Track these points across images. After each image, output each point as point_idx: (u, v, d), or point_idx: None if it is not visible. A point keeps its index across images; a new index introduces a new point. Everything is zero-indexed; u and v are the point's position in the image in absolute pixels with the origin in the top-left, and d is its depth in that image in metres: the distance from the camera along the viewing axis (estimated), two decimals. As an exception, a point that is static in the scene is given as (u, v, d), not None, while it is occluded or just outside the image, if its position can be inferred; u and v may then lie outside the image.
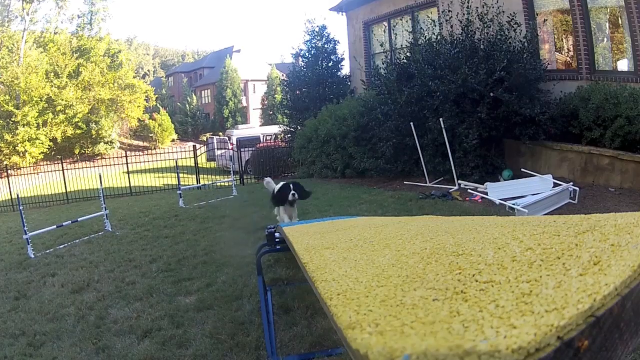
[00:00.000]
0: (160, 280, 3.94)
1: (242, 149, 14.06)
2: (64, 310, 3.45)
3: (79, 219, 6.38)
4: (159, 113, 28.89)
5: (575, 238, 0.76)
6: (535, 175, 5.95)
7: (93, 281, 4.12)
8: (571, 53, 7.39)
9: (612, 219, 0.83)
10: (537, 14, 7.49)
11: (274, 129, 18.65)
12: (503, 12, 6.79)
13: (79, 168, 15.21)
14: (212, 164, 18.11)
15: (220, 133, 26.31)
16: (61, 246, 5.72)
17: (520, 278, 0.60)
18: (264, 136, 19.73)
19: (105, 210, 6.52)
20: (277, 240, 2.45)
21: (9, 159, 19.67)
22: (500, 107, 6.52)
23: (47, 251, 5.53)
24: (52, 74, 22.07)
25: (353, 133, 8.62)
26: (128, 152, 17.23)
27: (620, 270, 0.54)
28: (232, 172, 9.62)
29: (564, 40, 7.64)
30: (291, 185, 4.51)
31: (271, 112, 30.44)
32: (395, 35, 10.06)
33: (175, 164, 9.20)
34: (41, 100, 20.82)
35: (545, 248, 0.73)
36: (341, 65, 12.47)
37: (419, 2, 9.31)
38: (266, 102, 34.50)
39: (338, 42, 12.44)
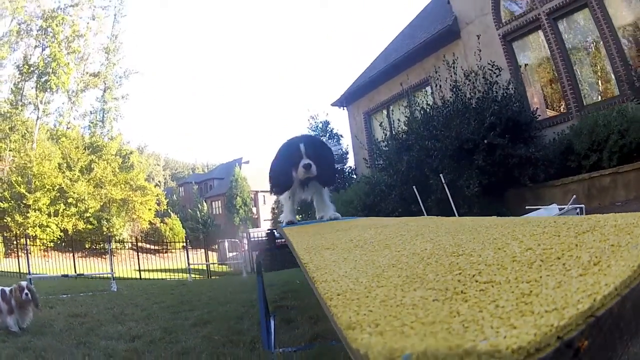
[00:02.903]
0: (160, 310, 3.95)
1: (253, 251, 14.03)
2: (55, 324, 3.45)
3: (84, 274, 6.36)
4: (170, 217, 28.68)
5: (576, 238, 0.76)
6: (539, 208, 5.91)
7: (91, 312, 4.14)
8: (559, 98, 7.65)
9: (612, 219, 0.83)
10: (520, 67, 7.78)
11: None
12: (489, 68, 6.91)
13: (89, 257, 14.88)
14: (225, 268, 17.90)
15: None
16: (64, 295, 5.70)
17: (520, 278, 0.60)
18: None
19: (112, 271, 6.46)
20: (277, 239, 2.43)
21: (20, 240, 19.42)
22: (496, 151, 6.61)
23: (50, 296, 5.49)
24: (65, 165, 22.08)
25: (360, 214, 8.64)
26: (139, 253, 16.83)
27: (620, 271, 0.54)
28: (243, 271, 9.50)
29: (551, 88, 7.89)
30: (301, 146, 2.37)
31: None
32: (393, 117, 10.32)
33: (187, 260, 9.07)
34: (53, 189, 20.67)
35: (545, 248, 0.73)
36: (346, 159, 12.48)
37: (414, 84, 9.59)
38: (276, 211, 34.42)
39: (342, 136, 12.71)
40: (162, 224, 28.01)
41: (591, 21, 6.68)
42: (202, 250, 19.39)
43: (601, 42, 6.57)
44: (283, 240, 2.19)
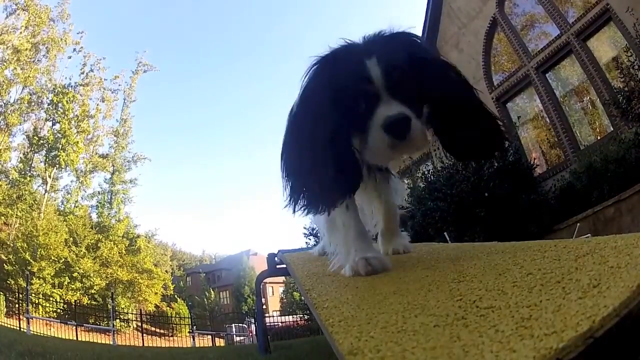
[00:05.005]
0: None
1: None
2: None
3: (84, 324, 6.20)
4: (177, 302, 28.54)
5: (575, 262, 0.76)
6: None
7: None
8: (557, 149, 7.78)
9: (612, 241, 0.84)
10: (515, 124, 7.98)
11: (293, 317, 19.46)
12: None
13: (91, 332, 14.64)
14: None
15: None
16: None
17: (520, 303, 0.60)
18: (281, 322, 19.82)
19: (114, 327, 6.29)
20: (277, 265, 2.43)
21: (23, 303, 19.24)
22: (498, 202, 6.69)
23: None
24: (71, 241, 22.07)
25: None
26: (144, 336, 16.45)
27: (620, 292, 0.55)
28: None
29: (547, 139, 8.01)
30: (370, 63, 0.97)
31: (291, 310, 30.58)
32: None
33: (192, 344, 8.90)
34: (58, 262, 20.48)
35: (545, 273, 0.73)
36: None
37: (415, 160, 9.86)
38: (285, 301, 34.92)
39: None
40: (168, 307, 27.37)
41: (577, 66, 6.94)
42: (209, 336, 19.05)
43: (590, 84, 6.77)
44: (283, 265, 2.19)
